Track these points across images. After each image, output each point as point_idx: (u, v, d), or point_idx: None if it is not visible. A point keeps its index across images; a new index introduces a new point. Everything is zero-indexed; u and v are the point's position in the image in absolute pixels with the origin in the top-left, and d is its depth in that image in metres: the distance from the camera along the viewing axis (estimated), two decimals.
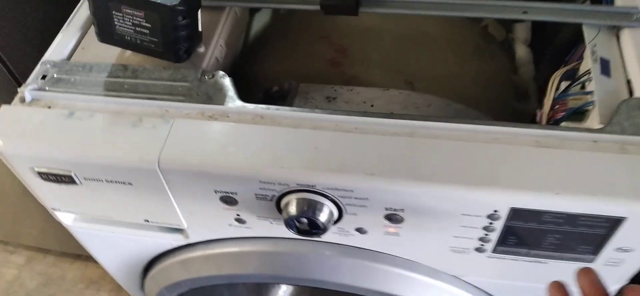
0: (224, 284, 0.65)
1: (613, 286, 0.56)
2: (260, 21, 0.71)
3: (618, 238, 0.44)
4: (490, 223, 0.44)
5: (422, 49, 0.62)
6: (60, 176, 0.48)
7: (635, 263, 0.49)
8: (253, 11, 0.71)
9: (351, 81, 0.56)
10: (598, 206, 0.41)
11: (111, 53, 0.53)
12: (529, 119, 0.58)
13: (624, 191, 0.40)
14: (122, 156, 0.45)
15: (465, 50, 0.64)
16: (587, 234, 0.44)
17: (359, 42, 0.62)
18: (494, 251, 0.48)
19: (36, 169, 0.48)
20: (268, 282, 0.59)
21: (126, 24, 0.48)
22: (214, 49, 0.54)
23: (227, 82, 0.49)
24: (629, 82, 0.48)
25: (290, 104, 0.55)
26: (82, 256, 1.36)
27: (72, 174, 0.48)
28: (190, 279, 0.63)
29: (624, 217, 0.41)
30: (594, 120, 0.46)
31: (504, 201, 0.41)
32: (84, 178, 0.49)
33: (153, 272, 0.66)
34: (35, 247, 1.41)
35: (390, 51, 0.62)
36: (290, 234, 0.48)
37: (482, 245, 0.48)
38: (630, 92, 0.47)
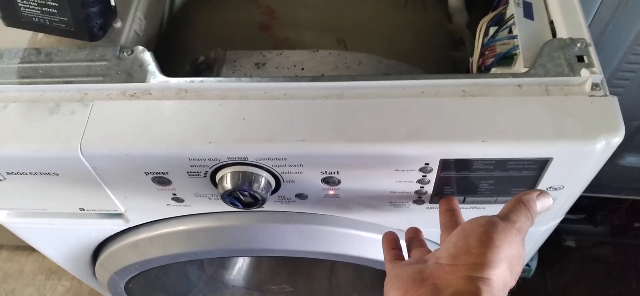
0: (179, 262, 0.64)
1: (551, 222, 0.59)
2: None
3: (548, 178, 0.45)
4: (424, 176, 0.45)
5: (354, 4, 0.60)
6: None
7: (569, 199, 0.51)
8: None
9: (282, 44, 0.55)
10: (524, 150, 0.41)
11: (22, 37, 0.50)
12: (466, 67, 0.58)
13: (547, 133, 0.41)
14: (41, 147, 0.43)
15: (398, 1, 0.63)
16: (517, 178, 0.45)
17: (288, 3, 0.60)
18: (431, 202, 0.49)
19: None
20: (216, 257, 0.59)
21: (31, 4, 0.45)
22: (131, 23, 0.51)
23: (147, 57, 0.47)
24: (551, 23, 0.48)
25: (217, 74, 0.53)
26: None
27: None
28: (138, 262, 0.62)
29: (550, 157, 0.42)
30: (519, 64, 0.46)
31: (433, 153, 0.42)
32: (7, 173, 0.46)
33: (101, 258, 0.65)
34: None
35: (321, 10, 0.60)
36: (232, 207, 0.47)
37: (420, 197, 0.48)
38: (554, 33, 0.47)
